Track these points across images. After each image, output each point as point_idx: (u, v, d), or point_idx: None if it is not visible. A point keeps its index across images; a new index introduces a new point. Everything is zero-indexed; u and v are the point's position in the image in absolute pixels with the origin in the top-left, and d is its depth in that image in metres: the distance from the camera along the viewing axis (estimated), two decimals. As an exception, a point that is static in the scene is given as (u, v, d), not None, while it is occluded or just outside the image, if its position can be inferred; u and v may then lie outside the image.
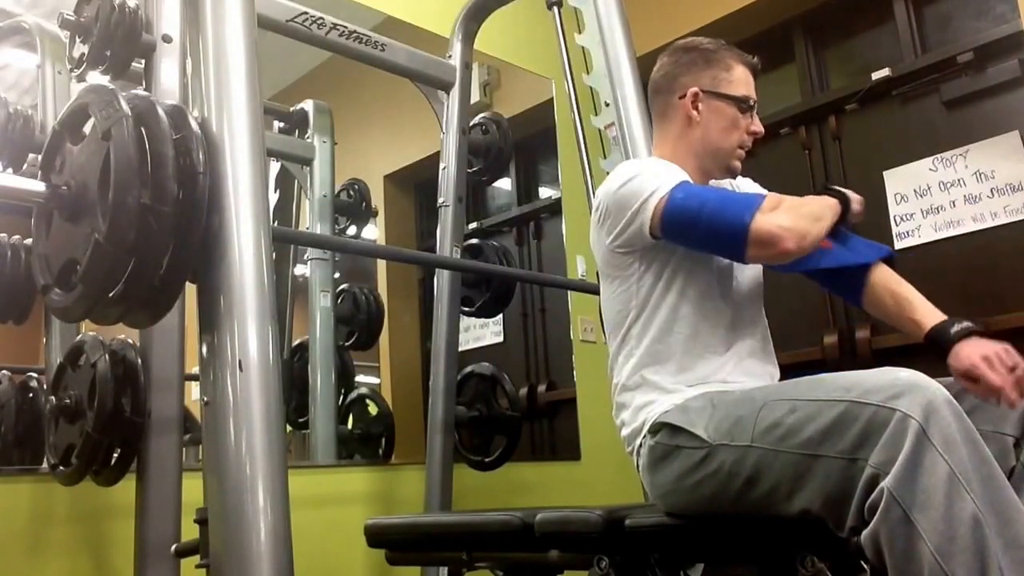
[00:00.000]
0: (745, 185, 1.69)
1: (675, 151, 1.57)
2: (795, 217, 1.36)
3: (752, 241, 1.33)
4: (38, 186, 1.34)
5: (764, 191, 1.66)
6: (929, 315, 1.38)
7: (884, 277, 1.49)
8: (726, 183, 1.65)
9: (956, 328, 1.31)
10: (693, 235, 1.41)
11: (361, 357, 2.93)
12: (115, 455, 1.49)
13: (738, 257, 1.40)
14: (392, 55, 2.43)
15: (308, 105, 2.91)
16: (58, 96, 2.04)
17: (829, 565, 1.28)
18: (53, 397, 1.56)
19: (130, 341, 1.53)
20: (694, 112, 1.55)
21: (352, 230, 3.01)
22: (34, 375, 2.00)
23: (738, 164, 1.57)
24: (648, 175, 1.45)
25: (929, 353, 1.34)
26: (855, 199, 1.50)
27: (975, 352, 1.26)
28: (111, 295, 1.23)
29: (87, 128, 1.31)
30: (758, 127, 1.56)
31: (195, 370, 1.32)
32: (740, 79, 1.55)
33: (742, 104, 1.54)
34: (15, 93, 2.12)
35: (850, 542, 1.16)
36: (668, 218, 1.39)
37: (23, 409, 1.95)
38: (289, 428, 2.67)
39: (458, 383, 2.53)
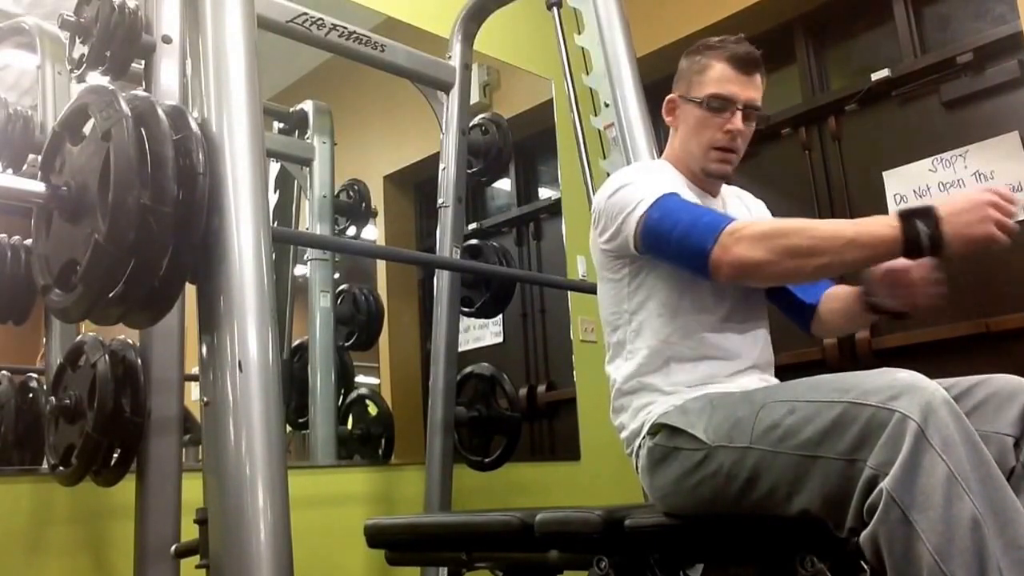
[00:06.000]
0: (756, 209, 1.69)
1: (668, 156, 1.62)
2: (762, 249, 1.30)
3: (713, 267, 1.33)
4: (38, 186, 1.34)
5: (759, 204, 1.70)
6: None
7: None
8: (718, 202, 1.62)
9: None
10: (666, 255, 1.42)
11: (361, 357, 2.93)
12: (115, 455, 1.49)
13: (709, 278, 1.38)
14: (392, 56, 2.43)
15: (308, 106, 2.92)
16: (58, 97, 2.04)
17: (829, 566, 1.28)
18: (53, 397, 1.56)
19: (130, 341, 1.53)
20: (670, 118, 1.60)
21: (352, 230, 3.01)
22: (34, 375, 2.00)
23: (714, 167, 1.53)
24: (636, 186, 1.45)
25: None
26: (951, 238, 1.20)
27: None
28: (111, 296, 1.23)
29: (87, 129, 1.32)
30: (733, 124, 1.50)
31: (195, 370, 1.33)
32: (713, 78, 1.51)
33: (704, 104, 1.51)
34: (15, 93, 2.12)
35: (850, 543, 1.16)
36: (644, 237, 1.41)
37: (23, 409, 1.95)
38: (289, 428, 2.67)
39: (458, 383, 2.53)
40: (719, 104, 1.51)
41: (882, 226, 1.24)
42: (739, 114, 1.50)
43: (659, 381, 1.44)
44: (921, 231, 1.20)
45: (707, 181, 1.57)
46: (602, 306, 1.56)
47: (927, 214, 1.20)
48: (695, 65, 1.55)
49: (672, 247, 1.38)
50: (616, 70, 2.23)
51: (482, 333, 3.36)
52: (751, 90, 1.52)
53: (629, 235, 1.43)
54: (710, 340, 1.45)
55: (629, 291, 1.49)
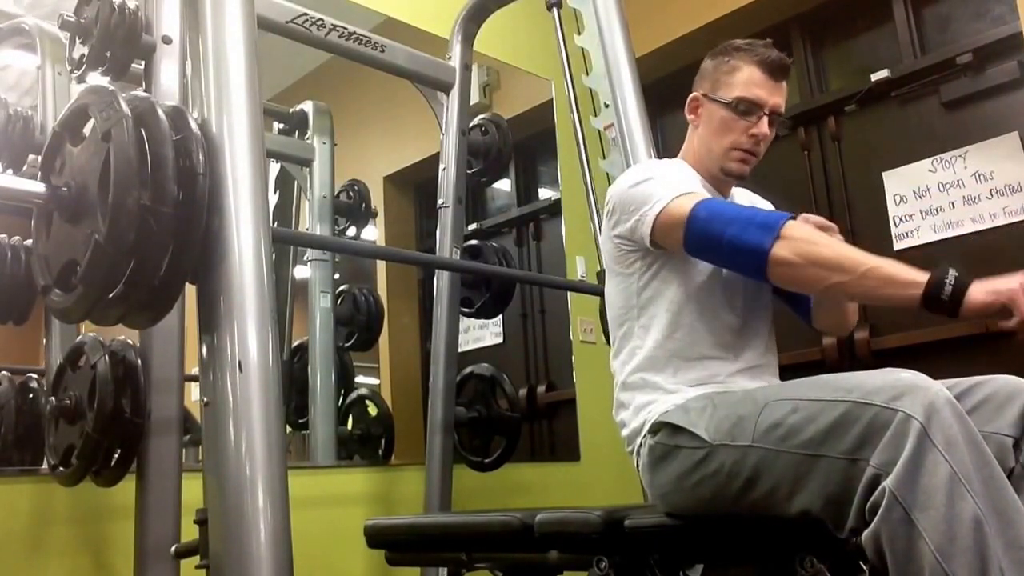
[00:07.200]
0: (740, 196, 1.68)
1: (686, 153, 1.62)
2: (790, 250, 1.30)
3: (771, 266, 1.31)
4: (38, 187, 1.34)
5: (768, 205, 1.69)
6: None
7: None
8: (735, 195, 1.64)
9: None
10: (717, 258, 1.42)
11: (361, 358, 2.93)
12: (115, 456, 1.49)
13: (761, 279, 1.38)
14: (392, 56, 2.43)
15: (308, 106, 2.91)
16: (58, 97, 2.04)
17: (829, 566, 1.28)
18: (53, 398, 1.56)
19: (130, 342, 1.52)
20: (692, 116, 1.59)
21: (352, 231, 3.01)
22: (34, 376, 2.00)
23: (733, 166, 1.53)
24: (657, 182, 1.45)
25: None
26: (976, 299, 1.19)
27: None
28: (111, 296, 1.23)
29: (87, 129, 1.31)
30: (758, 129, 1.51)
31: (195, 371, 1.33)
32: (741, 81, 1.52)
33: (732, 106, 1.51)
34: (15, 94, 2.12)
35: (849, 543, 1.17)
36: (691, 239, 1.38)
37: (23, 410, 1.94)
38: (289, 429, 2.67)
39: (458, 384, 2.53)
40: (746, 107, 1.51)
41: (913, 269, 1.23)
42: (765, 119, 1.51)
43: (662, 379, 1.44)
44: (948, 277, 1.19)
45: (721, 181, 1.57)
46: (610, 300, 1.56)
47: (960, 271, 1.20)
48: (723, 66, 1.54)
49: (725, 248, 1.36)
50: (616, 70, 2.23)
51: (482, 333, 3.36)
52: (777, 96, 1.53)
53: (646, 231, 1.42)
54: (715, 339, 1.46)
55: (640, 286, 1.49)
